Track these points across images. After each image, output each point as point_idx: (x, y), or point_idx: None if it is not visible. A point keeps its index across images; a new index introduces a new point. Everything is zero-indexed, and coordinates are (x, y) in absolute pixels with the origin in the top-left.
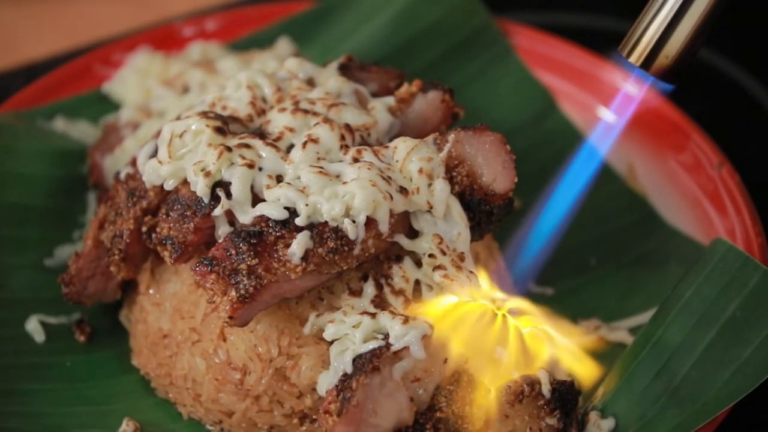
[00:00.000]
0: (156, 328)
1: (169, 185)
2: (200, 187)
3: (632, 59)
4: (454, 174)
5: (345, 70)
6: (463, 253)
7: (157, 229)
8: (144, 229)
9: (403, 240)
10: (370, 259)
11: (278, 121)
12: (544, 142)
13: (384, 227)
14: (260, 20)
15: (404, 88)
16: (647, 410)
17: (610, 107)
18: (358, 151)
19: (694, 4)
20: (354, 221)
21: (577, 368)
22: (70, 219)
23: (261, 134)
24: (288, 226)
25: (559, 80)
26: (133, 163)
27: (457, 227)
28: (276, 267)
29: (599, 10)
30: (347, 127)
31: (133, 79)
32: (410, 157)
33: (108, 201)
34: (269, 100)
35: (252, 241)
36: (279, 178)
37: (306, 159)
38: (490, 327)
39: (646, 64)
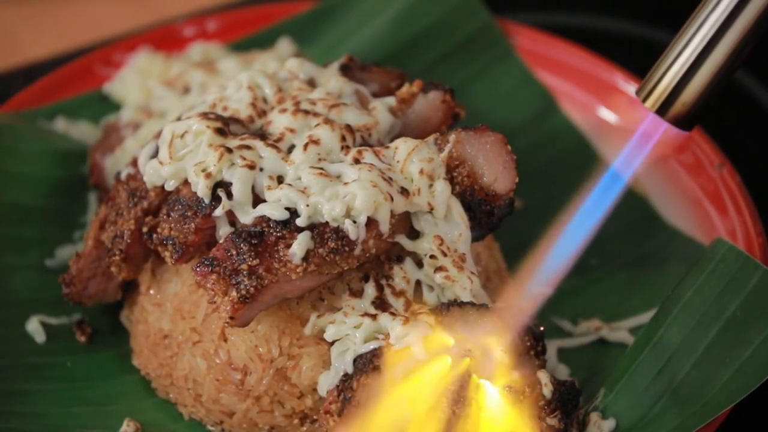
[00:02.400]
0: (157, 328)
1: (169, 186)
2: (201, 188)
3: (648, 104)
4: (455, 174)
5: (346, 70)
6: (464, 254)
7: (158, 230)
8: (145, 229)
9: (404, 240)
10: (370, 260)
11: (279, 121)
12: (544, 143)
13: (385, 228)
14: (261, 21)
15: (405, 89)
16: (648, 410)
17: (637, 134)
18: (359, 152)
19: (713, 53)
20: (355, 222)
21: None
22: (70, 219)
23: (262, 135)
24: (289, 226)
25: (559, 80)
26: (134, 163)
27: (458, 228)
28: (277, 267)
29: (599, 11)
30: (348, 127)
31: (134, 80)
32: (411, 157)
33: (109, 201)
34: (270, 100)
35: (253, 241)
36: (280, 179)
37: (307, 160)
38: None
39: (662, 110)
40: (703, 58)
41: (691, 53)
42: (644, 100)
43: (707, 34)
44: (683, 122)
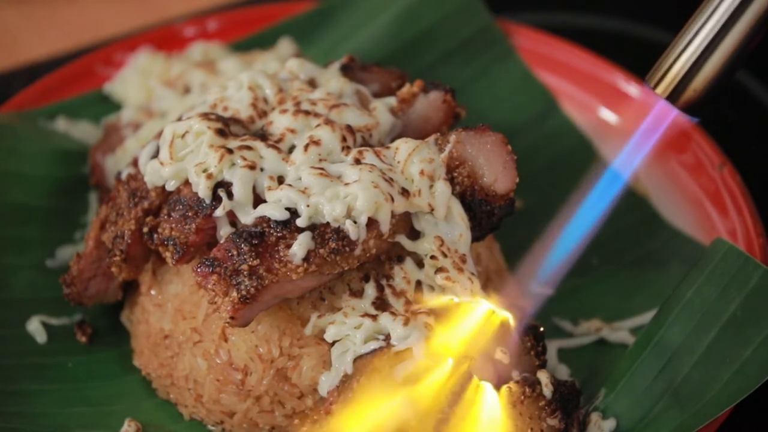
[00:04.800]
0: (157, 328)
1: (170, 186)
2: (202, 188)
3: (658, 90)
4: (455, 174)
5: (347, 70)
6: (464, 254)
7: (159, 230)
8: (145, 229)
9: (404, 241)
10: (371, 260)
11: (280, 122)
12: (545, 143)
13: (385, 228)
14: (262, 21)
15: (406, 89)
16: (648, 411)
17: (637, 134)
18: (360, 153)
19: (725, 40)
20: (355, 222)
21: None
22: (71, 219)
23: (262, 135)
24: (289, 226)
25: (560, 80)
26: (135, 163)
27: (459, 229)
28: (277, 267)
29: (600, 11)
30: (349, 128)
31: (135, 80)
32: (411, 158)
33: (109, 201)
34: (271, 101)
35: (253, 241)
36: (280, 180)
37: (307, 160)
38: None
39: (673, 96)
40: (714, 45)
41: (703, 40)
42: (655, 86)
43: (719, 21)
44: (693, 109)
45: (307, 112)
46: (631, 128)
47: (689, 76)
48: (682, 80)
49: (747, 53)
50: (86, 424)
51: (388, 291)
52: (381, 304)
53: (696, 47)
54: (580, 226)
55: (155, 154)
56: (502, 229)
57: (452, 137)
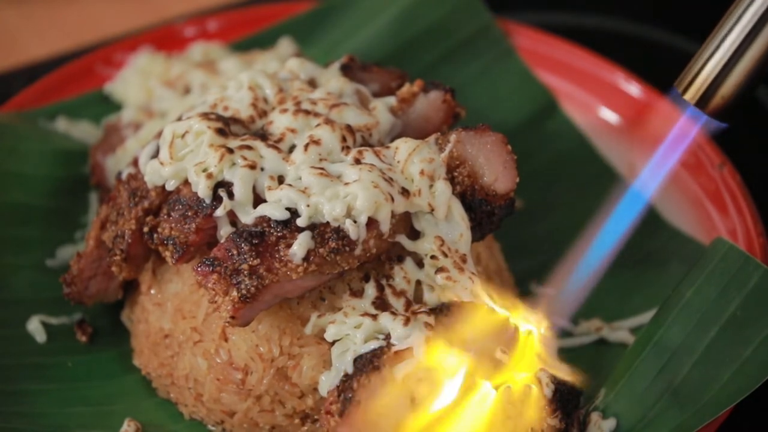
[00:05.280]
0: (157, 328)
1: (170, 186)
2: (202, 188)
3: (687, 97)
4: (456, 174)
5: (347, 70)
6: (465, 254)
7: (159, 230)
8: (146, 229)
9: (404, 240)
10: (371, 260)
11: (280, 122)
12: (545, 143)
13: (385, 227)
14: (262, 21)
15: (406, 88)
16: (648, 410)
17: (661, 148)
18: (360, 152)
19: (753, 45)
20: (355, 222)
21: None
22: (71, 219)
23: (262, 135)
24: (289, 226)
25: (560, 80)
26: (135, 163)
27: (459, 229)
28: (277, 267)
29: (600, 10)
30: (349, 127)
31: (135, 80)
32: (411, 158)
33: (110, 201)
34: (271, 100)
35: (254, 241)
36: (280, 179)
37: (307, 160)
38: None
39: (701, 103)
40: (742, 51)
41: (730, 45)
42: (683, 92)
43: (746, 26)
44: (722, 115)
45: (307, 112)
46: (656, 142)
47: (717, 82)
48: (710, 86)
49: None
50: (86, 423)
51: (388, 291)
52: (381, 304)
53: (724, 53)
54: (603, 246)
55: (155, 154)
56: (502, 228)
57: (452, 137)
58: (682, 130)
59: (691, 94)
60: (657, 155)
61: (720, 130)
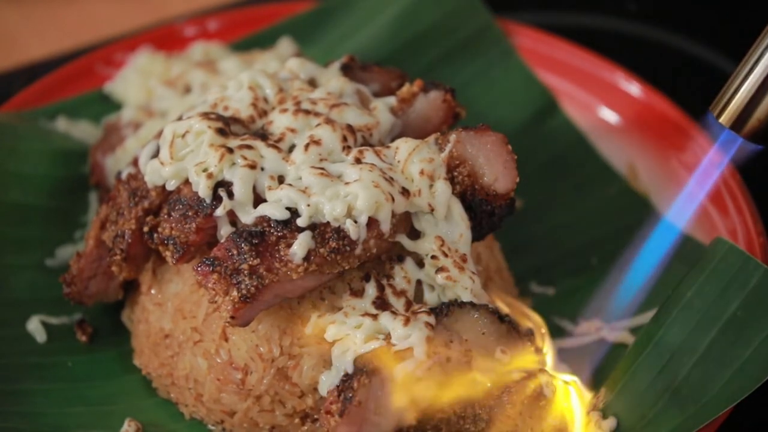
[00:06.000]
0: (158, 328)
1: (170, 185)
2: (202, 188)
3: (723, 120)
4: (456, 174)
5: (347, 70)
6: (465, 254)
7: (159, 229)
8: (146, 229)
9: (404, 240)
10: (371, 259)
11: (280, 121)
12: (545, 142)
13: (386, 227)
14: (262, 20)
15: (406, 88)
16: (648, 410)
17: (694, 176)
18: (360, 152)
19: None
20: (356, 221)
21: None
22: (71, 219)
23: (263, 135)
24: (290, 226)
25: (560, 80)
26: (135, 163)
27: (459, 228)
28: (278, 267)
29: (601, 10)
30: (349, 127)
31: (135, 79)
32: (412, 158)
33: (109, 201)
34: (271, 100)
35: (254, 241)
36: (281, 179)
37: (308, 160)
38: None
39: (737, 126)
40: None
41: (765, 68)
42: (718, 116)
43: None
44: (759, 137)
45: (307, 112)
46: (684, 176)
47: (753, 105)
48: (745, 109)
49: None
50: (86, 423)
51: (388, 290)
52: (381, 304)
53: (759, 76)
54: (638, 277)
55: (155, 154)
56: (502, 228)
57: (452, 137)
58: (714, 158)
59: (727, 118)
60: (690, 184)
61: (755, 153)
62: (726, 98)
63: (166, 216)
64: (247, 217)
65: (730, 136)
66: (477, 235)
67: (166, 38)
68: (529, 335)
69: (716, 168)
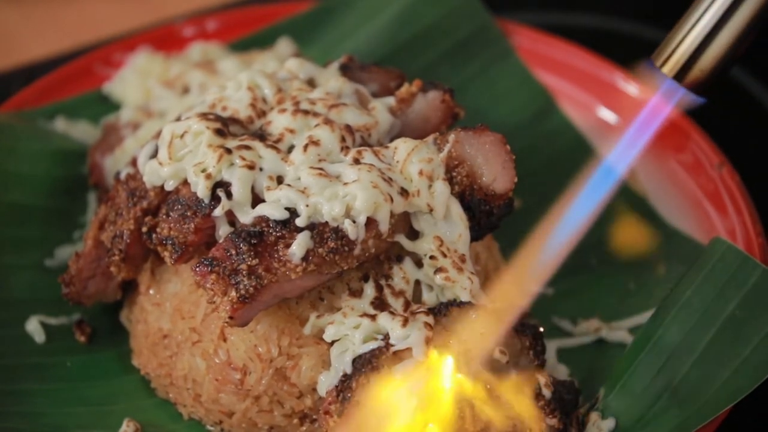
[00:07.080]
0: (156, 328)
1: (169, 186)
2: (201, 188)
3: (665, 70)
4: (454, 174)
5: (346, 70)
6: (463, 254)
7: (158, 230)
8: (144, 229)
9: (403, 240)
10: (370, 260)
11: (279, 122)
12: (544, 143)
13: (384, 227)
14: (261, 20)
15: (404, 88)
16: (647, 410)
17: (634, 123)
18: (359, 152)
19: (732, 19)
20: (354, 222)
21: None
22: (70, 219)
23: (261, 135)
24: (288, 226)
25: (559, 80)
26: (134, 163)
27: (458, 229)
28: (276, 267)
29: (600, 10)
30: (348, 127)
31: (134, 80)
32: (410, 158)
33: (108, 201)
34: (270, 100)
35: (252, 241)
36: (279, 179)
37: (306, 160)
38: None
39: (679, 76)
40: (722, 24)
41: (710, 19)
42: (661, 66)
43: (726, 1)
44: (700, 89)
45: (306, 112)
46: (628, 123)
47: (696, 55)
48: (689, 60)
49: (755, 33)
50: (85, 423)
51: (387, 291)
52: (380, 304)
53: (703, 26)
54: (573, 222)
55: (154, 154)
56: (501, 228)
57: (451, 137)
58: (656, 106)
59: (669, 67)
60: (630, 130)
61: (696, 105)
62: (670, 48)
63: (164, 216)
64: (246, 217)
65: (672, 85)
66: (476, 235)
67: (165, 38)
68: (527, 334)
69: (659, 114)
